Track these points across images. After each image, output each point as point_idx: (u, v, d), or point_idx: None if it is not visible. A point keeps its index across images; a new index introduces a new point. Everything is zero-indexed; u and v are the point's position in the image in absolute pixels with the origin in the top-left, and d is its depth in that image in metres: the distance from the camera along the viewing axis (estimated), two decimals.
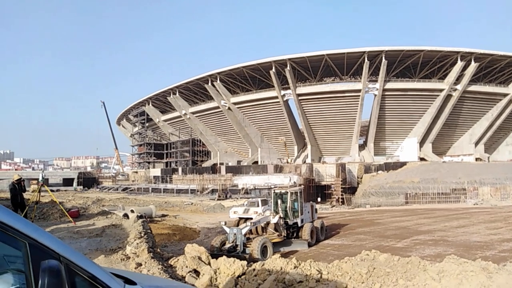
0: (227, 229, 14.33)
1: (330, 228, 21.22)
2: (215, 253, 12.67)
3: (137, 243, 9.43)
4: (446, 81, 55.08)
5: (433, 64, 55.60)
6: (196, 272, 8.53)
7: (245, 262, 8.71)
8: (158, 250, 10.83)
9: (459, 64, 53.14)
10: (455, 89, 55.15)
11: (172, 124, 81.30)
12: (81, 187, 71.60)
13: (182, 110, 72.07)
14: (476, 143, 60.67)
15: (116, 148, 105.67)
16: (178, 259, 9.33)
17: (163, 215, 29.92)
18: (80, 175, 78.94)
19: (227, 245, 13.67)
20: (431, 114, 56.69)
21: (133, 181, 79.41)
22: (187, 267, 8.67)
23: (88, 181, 77.18)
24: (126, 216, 22.04)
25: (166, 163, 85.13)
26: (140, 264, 7.78)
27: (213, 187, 48.92)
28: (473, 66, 52.90)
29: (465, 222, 23.25)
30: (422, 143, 59.15)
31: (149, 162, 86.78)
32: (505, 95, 57.29)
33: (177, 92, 70.71)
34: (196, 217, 30.19)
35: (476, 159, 58.12)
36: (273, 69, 55.64)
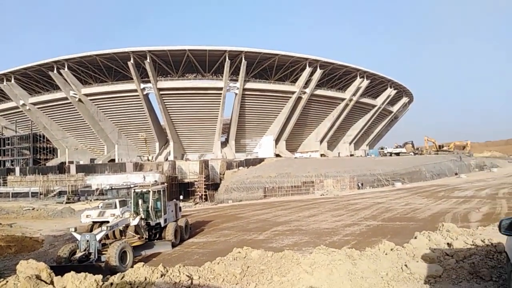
0: (78, 236, 12.68)
1: (194, 225, 20.88)
2: (63, 265, 10.90)
3: None
4: (297, 84, 60.76)
5: (286, 68, 60.61)
6: None
7: (99, 277, 7.32)
8: None
9: (308, 70, 59.24)
10: (304, 92, 61.30)
11: (6, 116, 68.62)
12: None
13: (20, 100, 61.40)
14: (321, 141, 68.94)
15: None
16: (7, 281, 7.31)
17: None
18: None
19: (78, 254, 12.08)
20: (284, 114, 61.74)
21: None
22: None
23: None
24: None
25: None
26: None
27: (60, 189, 43.66)
28: (319, 72, 59.72)
29: (315, 212, 25.77)
30: (277, 140, 64.05)
31: None
32: (342, 99, 66.49)
33: (13, 79, 59.94)
34: (39, 224, 26.05)
35: (321, 155, 66.03)
36: (132, 60, 52.19)
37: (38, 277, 7.72)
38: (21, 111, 63.57)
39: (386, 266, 5.97)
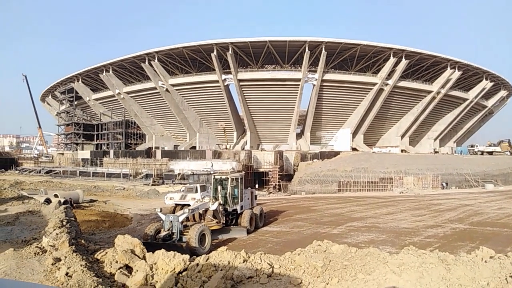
0: (163, 216, 13.49)
1: (268, 214, 21.19)
2: (149, 242, 11.80)
3: (57, 234, 8.10)
4: (379, 75, 57.82)
5: (368, 59, 57.96)
6: (128, 268, 7.43)
7: (187, 257, 7.77)
8: (83, 241, 9.50)
9: (391, 60, 55.98)
10: (387, 84, 58.15)
11: (104, 104, 76.17)
12: None
13: (116, 89, 67.67)
14: (402, 136, 65.03)
15: (40, 127, 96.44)
16: (106, 253, 8.12)
17: (92, 201, 28.18)
18: None
19: (163, 233, 12.92)
20: (364, 106, 59.31)
21: (59, 163, 73.43)
22: (117, 262, 7.53)
23: (6, 162, 69.49)
24: (48, 201, 19.91)
25: (97, 145, 79.94)
26: (59, 259, 6.57)
27: (147, 172, 46.99)
28: (404, 63, 56.11)
29: (393, 210, 24.54)
30: (354, 134, 61.90)
31: (77, 144, 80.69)
32: (429, 92, 61.75)
33: (111, 70, 66.12)
34: (129, 203, 28.63)
35: (402, 150, 62.30)
36: (215, 52, 54.14)
37: (132, 252, 8.37)
38: (116, 100, 70.06)
39: (486, 275, 5.38)
